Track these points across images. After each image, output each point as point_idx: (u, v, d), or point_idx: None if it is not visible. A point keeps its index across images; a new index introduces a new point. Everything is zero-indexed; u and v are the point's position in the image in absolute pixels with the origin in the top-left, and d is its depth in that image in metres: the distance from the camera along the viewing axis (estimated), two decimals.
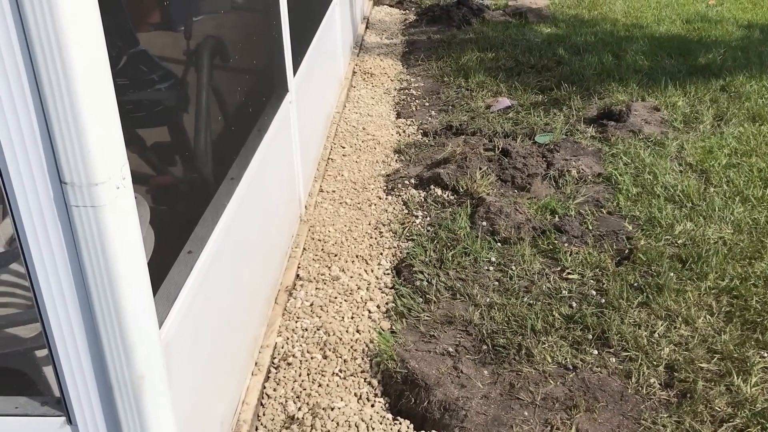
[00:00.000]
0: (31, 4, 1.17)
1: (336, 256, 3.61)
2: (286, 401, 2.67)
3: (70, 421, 1.61)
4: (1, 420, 1.62)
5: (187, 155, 2.36)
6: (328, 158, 4.75)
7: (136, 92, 1.98)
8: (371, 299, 3.26)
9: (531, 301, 3.15)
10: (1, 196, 2.26)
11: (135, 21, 2.03)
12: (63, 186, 1.33)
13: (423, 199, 4.14)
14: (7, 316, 2.01)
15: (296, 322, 3.10)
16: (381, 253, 3.65)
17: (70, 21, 1.21)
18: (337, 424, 2.52)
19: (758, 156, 4.48)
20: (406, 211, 4.04)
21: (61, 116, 1.26)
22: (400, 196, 4.22)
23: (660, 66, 6.31)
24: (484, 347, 2.90)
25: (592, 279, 3.31)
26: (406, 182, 4.37)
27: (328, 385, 2.73)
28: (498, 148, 4.61)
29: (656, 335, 2.91)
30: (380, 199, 4.24)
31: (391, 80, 6.40)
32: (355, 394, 2.70)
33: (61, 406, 1.60)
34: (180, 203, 2.28)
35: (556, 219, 3.84)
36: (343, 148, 4.94)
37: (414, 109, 5.72)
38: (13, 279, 2.06)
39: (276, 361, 2.88)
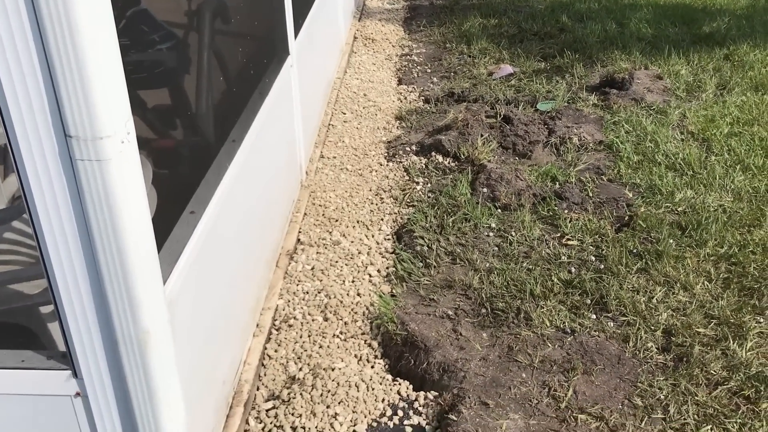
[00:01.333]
0: None
1: (337, 221, 3.62)
2: (287, 362, 2.71)
3: (75, 374, 1.63)
4: (9, 372, 1.65)
5: (189, 117, 2.35)
6: (329, 124, 4.73)
7: (138, 53, 1.97)
8: (372, 263, 3.28)
9: (530, 267, 3.17)
10: (4, 153, 2.26)
11: None
12: (68, 140, 1.33)
13: (424, 166, 4.14)
14: (12, 272, 2.03)
15: (297, 285, 3.12)
16: (382, 219, 3.66)
17: None
18: (338, 384, 2.55)
19: (760, 125, 4.47)
20: (407, 178, 4.05)
21: (66, 69, 1.25)
22: (401, 162, 4.22)
23: (663, 34, 6.26)
24: (483, 311, 2.93)
25: (592, 245, 3.32)
26: (408, 149, 4.37)
27: (328, 347, 2.76)
28: (500, 115, 4.60)
29: (654, 301, 2.94)
30: (381, 165, 4.23)
31: (393, 46, 6.35)
32: (356, 356, 2.73)
33: (66, 360, 1.62)
34: (182, 164, 2.28)
35: (557, 186, 3.84)
36: (344, 114, 4.93)
37: (415, 75, 5.68)
38: (17, 237, 2.07)
39: (277, 322, 2.91)
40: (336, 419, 2.43)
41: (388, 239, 3.49)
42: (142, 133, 1.89)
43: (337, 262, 3.29)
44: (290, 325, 2.89)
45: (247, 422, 2.45)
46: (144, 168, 1.61)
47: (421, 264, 3.24)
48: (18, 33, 1.24)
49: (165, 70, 2.20)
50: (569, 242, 3.36)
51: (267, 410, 2.50)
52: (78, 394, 1.65)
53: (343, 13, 6.09)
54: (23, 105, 1.31)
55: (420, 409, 2.51)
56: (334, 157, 4.31)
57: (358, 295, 3.05)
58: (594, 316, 2.88)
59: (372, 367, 2.69)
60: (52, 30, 1.22)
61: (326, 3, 5.03)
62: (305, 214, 3.69)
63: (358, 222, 3.62)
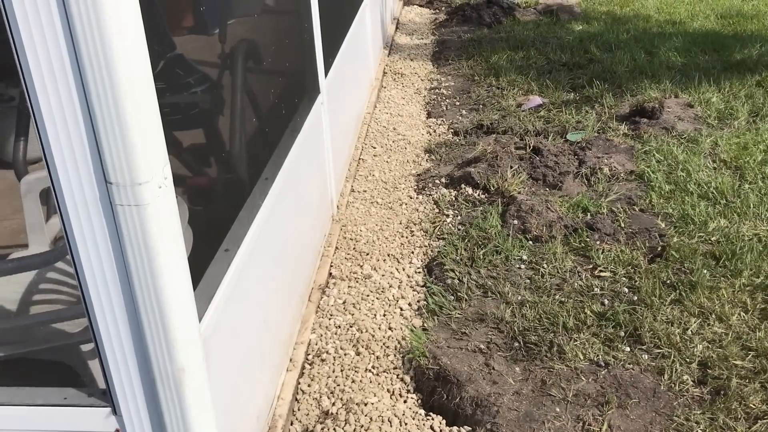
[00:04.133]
0: (79, 13, 1.24)
1: (368, 254, 3.66)
2: (321, 396, 2.73)
3: (115, 411, 1.68)
4: (52, 410, 1.70)
5: (223, 156, 2.42)
6: (359, 158, 4.80)
7: (173, 96, 2.04)
8: (403, 297, 3.30)
9: (563, 299, 3.16)
10: (47, 195, 2.34)
11: (171, 25, 2.10)
12: (108, 186, 1.39)
13: (454, 198, 4.17)
14: (55, 312, 2.09)
15: (329, 319, 3.16)
16: (412, 252, 3.68)
17: (115, 28, 1.27)
18: (371, 419, 2.56)
19: None
20: (437, 210, 4.08)
21: (106, 119, 1.32)
22: (430, 195, 4.26)
23: (694, 62, 6.24)
24: (516, 344, 2.92)
25: (625, 277, 3.30)
26: (437, 181, 4.40)
27: (361, 381, 2.78)
28: (529, 147, 4.61)
29: (689, 332, 2.90)
30: (411, 198, 4.27)
31: (422, 80, 6.43)
32: (388, 390, 2.74)
33: (106, 397, 1.67)
34: (216, 203, 2.34)
35: (588, 217, 3.83)
36: (374, 148, 4.99)
37: (444, 108, 5.74)
38: (59, 277, 2.14)
39: (310, 357, 2.94)
40: None
41: (419, 272, 3.51)
42: (179, 173, 1.96)
43: (368, 295, 3.32)
44: (323, 360, 2.91)
45: None
46: (180, 207, 1.67)
47: (452, 297, 3.25)
48: (63, 87, 1.32)
49: (200, 111, 2.28)
50: (602, 274, 3.34)
51: None
52: (117, 430, 1.69)
53: (373, 49, 6.20)
54: (66, 153, 1.37)
55: None
56: (365, 191, 4.37)
57: (390, 329, 3.07)
58: (628, 349, 2.85)
59: (404, 401, 2.70)
60: (94, 85, 1.29)
61: (356, 41, 5.13)
62: (336, 248, 3.73)
63: (388, 255, 3.65)
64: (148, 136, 1.39)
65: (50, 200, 2.43)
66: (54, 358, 1.97)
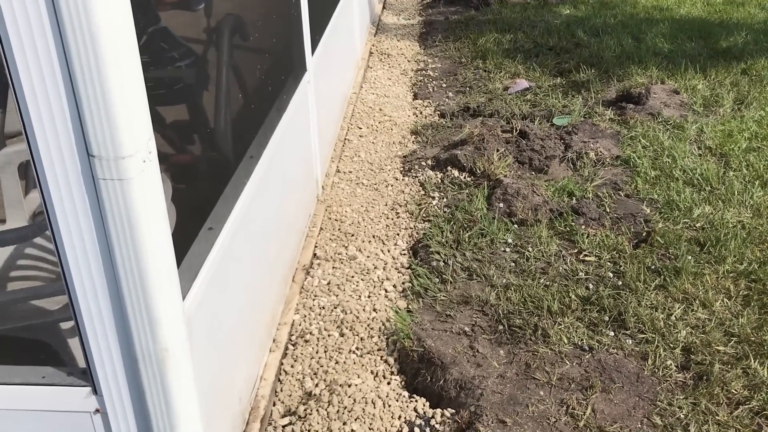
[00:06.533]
0: None
1: (353, 236, 3.63)
2: (304, 377, 2.71)
3: (95, 391, 1.64)
4: (29, 389, 1.66)
5: (208, 133, 2.37)
6: (345, 139, 4.75)
7: (157, 70, 1.99)
8: (388, 279, 3.28)
9: (547, 283, 3.15)
10: (26, 169, 2.28)
11: None
12: (91, 159, 1.34)
13: (440, 181, 4.14)
14: (33, 288, 2.05)
15: (313, 300, 3.13)
16: (398, 234, 3.66)
17: None
18: (354, 400, 2.55)
19: None
20: (422, 192, 4.05)
21: (89, 90, 1.27)
22: (416, 177, 4.23)
23: (680, 49, 6.24)
24: (500, 327, 2.91)
25: (609, 261, 3.30)
26: (423, 163, 4.37)
27: (345, 362, 2.76)
28: (516, 130, 4.59)
29: (673, 318, 2.91)
30: (397, 180, 4.24)
31: (408, 61, 6.37)
32: (372, 372, 2.73)
33: (86, 376, 1.63)
34: (201, 181, 2.30)
35: (574, 201, 3.83)
36: (360, 128, 4.94)
37: (431, 90, 5.70)
38: (38, 253, 2.09)
39: (293, 338, 2.91)
40: None
41: (404, 254, 3.48)
42: (162, 150, 1.91)
43: (353, 277, 3.29)
44: (306, 341, 2.89)
45: None
46: (164, 184, 1.63)
47: (437, 279, 3.23)
48: (43, 55, 1.26)
49: (184, 86, 2.22)
50: (586, 258, 3.34)
51: (283, 426, 2.50)
52: (98, 410, 1.66)
53: (359, 29, 6.13)
54: (47, 125, 1.32)
55: (437, 426, 2.50)
56: (350, 172, 4.33)
57: (374, 310, 3.05)
58: (612, 333, 2.85)
59: (388, 383, 2.69)
60: (76, 53, 1.24)
61: (342, 19, 5.06)
62: (321, 228, 3.70)
63: (374, 237, 3.62)
64: (133, 108, 1.35)
65: (29, 174, 2.37)
66: (32, 336, 1.92)
